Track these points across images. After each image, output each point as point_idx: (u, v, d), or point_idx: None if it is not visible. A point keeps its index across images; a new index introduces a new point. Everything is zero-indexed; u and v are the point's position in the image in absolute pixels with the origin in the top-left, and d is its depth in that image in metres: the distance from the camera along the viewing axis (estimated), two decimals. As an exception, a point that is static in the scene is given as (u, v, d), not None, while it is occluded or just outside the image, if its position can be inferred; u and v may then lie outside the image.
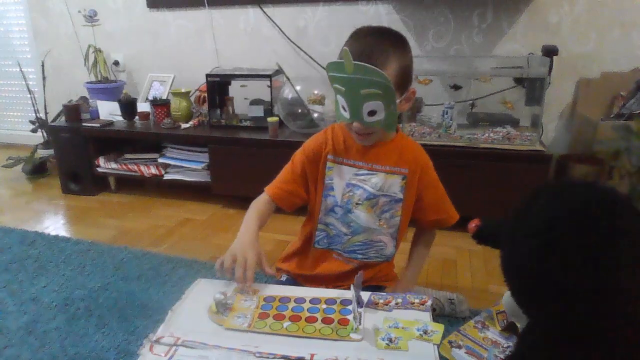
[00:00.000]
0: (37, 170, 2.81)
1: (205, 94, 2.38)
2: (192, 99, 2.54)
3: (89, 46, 2.72)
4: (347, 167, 1.20)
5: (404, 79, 1.09)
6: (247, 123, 2.33)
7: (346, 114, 1.08)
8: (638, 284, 0.64)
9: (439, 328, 0.88)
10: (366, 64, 0.98)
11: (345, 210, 1.20)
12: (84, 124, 2.45)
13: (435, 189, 1.23)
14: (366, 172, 1.19)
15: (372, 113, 1.05)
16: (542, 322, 0.72)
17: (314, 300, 0.97)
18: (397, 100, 1.07)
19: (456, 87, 2.18)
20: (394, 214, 1.20)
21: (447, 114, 1.96)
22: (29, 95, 2.85)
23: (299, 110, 2.19)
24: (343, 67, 1.00)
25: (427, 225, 1.29)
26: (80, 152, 2.46)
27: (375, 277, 1.27)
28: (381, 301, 0.97)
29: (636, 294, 0.64)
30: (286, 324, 0.89)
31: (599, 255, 0.63)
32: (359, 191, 1.18)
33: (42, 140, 2.91)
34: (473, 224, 1.00)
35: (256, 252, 1.04)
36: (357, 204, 1.19)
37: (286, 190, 1.23)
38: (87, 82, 2.69)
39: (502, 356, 0.97)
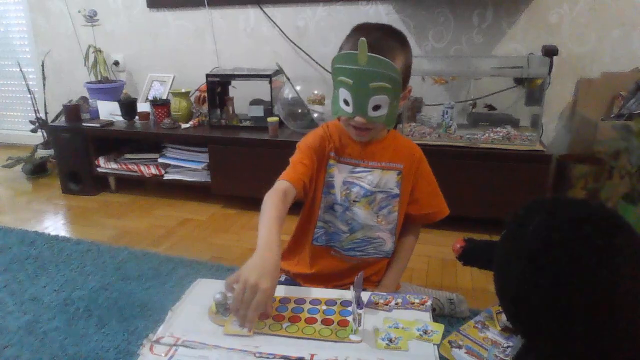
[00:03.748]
0: (37, 170, 2.81)
1: (205, 94, 2.38)
2: (192, 99, 2.54)
3: (89, 46, 2.72)
4: (343, 165, 1.20)
5: (406, 76, 1.10)
6: (247, 123, 2.33)
7: (348, 109, 1.07)
8: (635, 301, 0.63)
9: (439, 328, 0.88)
10: (381, 56, 0.98)
11: (344, 208, 1.20)
12: (84, 124, 2.45)
13: (428, 182, 1.25)
14: (362, 169, 1.19)
15: (376, 108, 1.05)
16: (540, 344, 0.70)
17: (314, 302, 0.96)
18: None
19: (490, 108, 2.16)
20: (392, 209, 1.20)
21: (447, 114, 1.96)
22: (29, 95, 2.85)
23: (299, 110, 2.19)
24: (354, 59, 0.99)
25: (417, 218, 1.28)
26: (80, 152, 2.46)
27: (375, 276, 1.27)
28: (381, 301, 0.97)
29: (633, 310, 0.63)
30: (285, 324, 0.89)
31: (596, 276, 0.62)
32: (356, 189, 1.18)
33: (42, 140, 2.92)
34: (458, 245, 0.98)
35: (271, 285, 0.86)
36: (354, 201, 1.19)
37: (302, 173, 1.14)
38: (87, 82, 2.69)
39: (502, 356, 0.97)
